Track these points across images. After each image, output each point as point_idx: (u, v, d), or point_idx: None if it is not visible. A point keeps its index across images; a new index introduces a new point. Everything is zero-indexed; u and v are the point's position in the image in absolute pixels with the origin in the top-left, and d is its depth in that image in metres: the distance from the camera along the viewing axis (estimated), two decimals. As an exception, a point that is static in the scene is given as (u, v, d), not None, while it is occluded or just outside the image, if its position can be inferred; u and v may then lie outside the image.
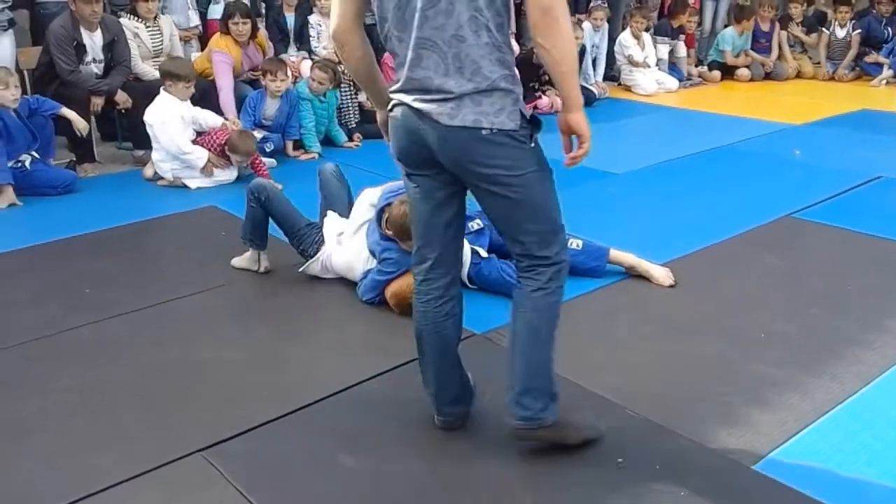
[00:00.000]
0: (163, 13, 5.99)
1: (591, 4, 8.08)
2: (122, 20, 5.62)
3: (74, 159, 5.40)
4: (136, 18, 5.70)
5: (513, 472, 2.32)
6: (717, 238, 4.03)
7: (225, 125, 5.25)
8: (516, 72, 2.08)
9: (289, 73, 5.76)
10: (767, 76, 8.88)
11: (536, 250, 2.18)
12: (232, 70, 5.85)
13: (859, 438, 2.45)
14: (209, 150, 5.04)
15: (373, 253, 3.37)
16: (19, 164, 4.78)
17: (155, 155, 5.11)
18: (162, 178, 5.12)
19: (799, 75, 9.01)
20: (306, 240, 3.58)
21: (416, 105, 2.06)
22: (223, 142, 5.03)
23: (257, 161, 5.10)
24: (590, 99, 7.07)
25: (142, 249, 4.16)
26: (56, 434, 2.50)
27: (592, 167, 4.56)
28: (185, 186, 5.04)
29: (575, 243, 3.47)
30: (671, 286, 3.44)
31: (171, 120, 4.97)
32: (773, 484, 2.24)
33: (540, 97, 6.92)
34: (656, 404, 2.59)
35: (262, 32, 6.28)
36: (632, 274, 3.57)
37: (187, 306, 3.39)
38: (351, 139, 6.12)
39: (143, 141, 5.39)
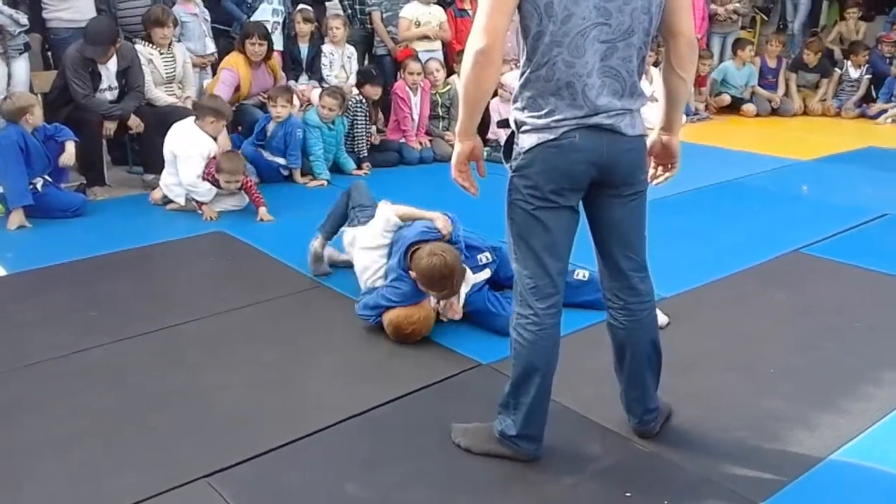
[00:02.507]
0: (179, 41, 6.07)
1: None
2: (136, 46, 5.69)
3: (85, 182, 5.44)
4: (150, 45, 5.76)
5: (521, 502, 2.30)
6: (725, 272, 4.03)
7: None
8: None
9: (295, 101, 5.82)
10: (774, 112, 8.94)
11: (644, 256, 2.37)
12: (231, 89, 5.95)
13: (869, 476, 2.43)
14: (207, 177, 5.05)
15: (387, 272, 3.38)
16: (31, 187, 4.81)
17: (169, 179, 5.10)
18: (172, 201, 5.13)
19: (805, 112, 9.07)
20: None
21: (605, 122, 2.15)
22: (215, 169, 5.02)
23: (249, 184, 5.04)
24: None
25: (149, 273, 4.17)
26: (63, 459, 2.49)
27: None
28: (196, 210, 5.06)
29: (581, 274, 3.48)
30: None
31: (196, 155, 4.96)
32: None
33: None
34: (664, 438, 2.58)
35: (276, 59, 6.35)
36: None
37: (194, 331, 3.39)
38: (359, 167, 6.17)
39: (153, 165, 5.44)
